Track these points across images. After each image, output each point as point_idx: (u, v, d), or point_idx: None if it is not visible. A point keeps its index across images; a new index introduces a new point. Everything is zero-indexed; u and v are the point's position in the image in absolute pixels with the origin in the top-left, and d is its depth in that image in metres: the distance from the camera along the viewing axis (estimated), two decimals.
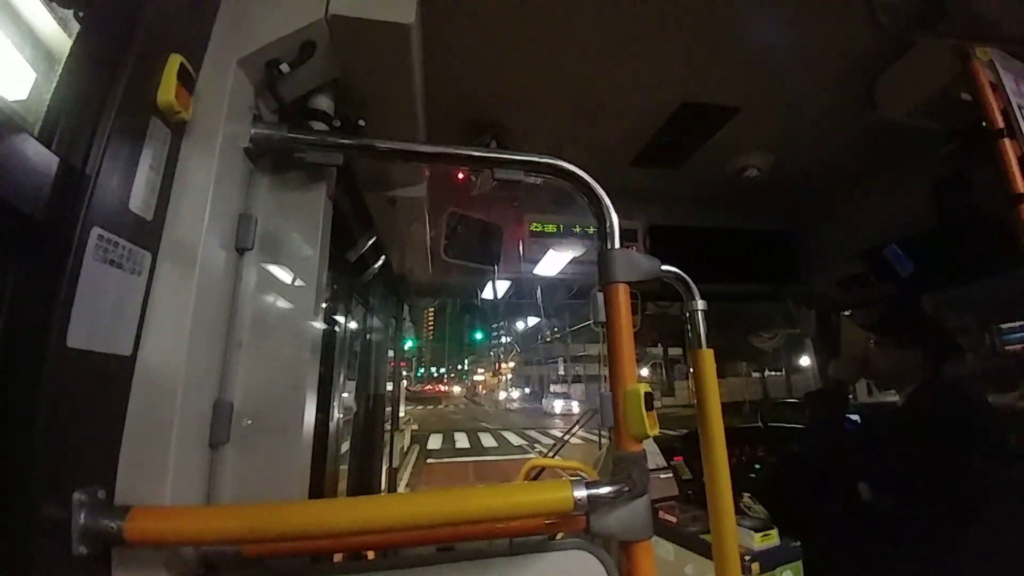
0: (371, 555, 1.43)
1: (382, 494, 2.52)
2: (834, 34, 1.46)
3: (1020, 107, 1.32)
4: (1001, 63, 1.36)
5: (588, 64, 1.58)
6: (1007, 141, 1.26)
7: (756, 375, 25.96)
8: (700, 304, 1.07)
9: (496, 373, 52.24)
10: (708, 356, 1.03)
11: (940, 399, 1.67)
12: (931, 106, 1.55)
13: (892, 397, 1.89)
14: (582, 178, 0.86)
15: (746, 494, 1.91)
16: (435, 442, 16.24)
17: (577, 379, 37.16)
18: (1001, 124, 1.28)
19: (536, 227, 2.50)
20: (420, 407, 35.66)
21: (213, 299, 0.78)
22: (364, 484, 2.45)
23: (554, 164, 0.88)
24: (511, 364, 51.36)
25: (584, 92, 1.73)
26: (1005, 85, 1.33)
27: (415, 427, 16.44)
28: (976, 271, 2.21)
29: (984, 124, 1.31)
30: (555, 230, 2.52)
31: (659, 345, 30.68)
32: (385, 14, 0.87)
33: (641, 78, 1.66)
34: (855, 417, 2.48)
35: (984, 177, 1.44)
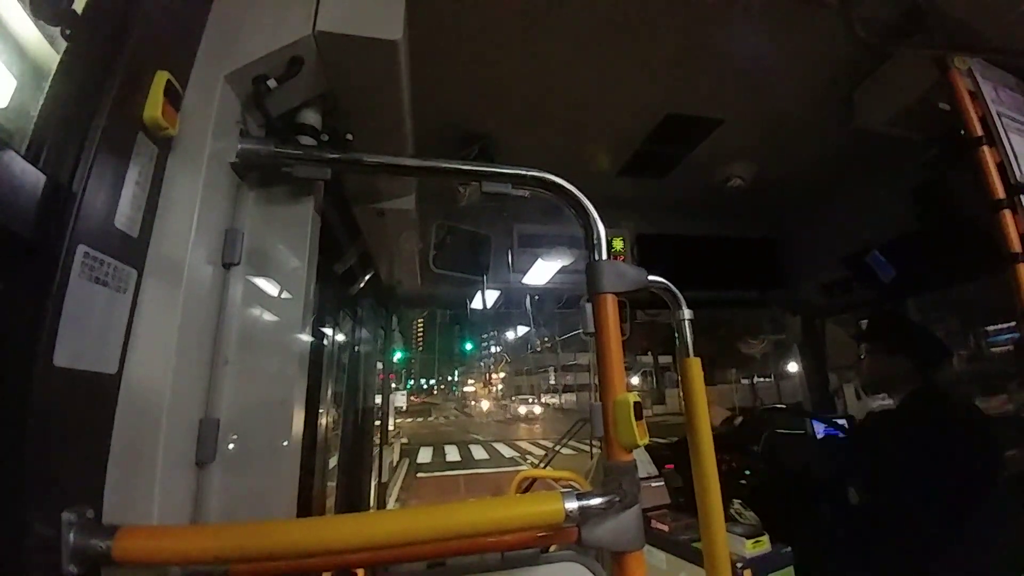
0: (361, 573, 1.41)
1: (371, 511, 2.49)
2: (813, 47, 1.50)
3: (1000, 114, 1.34)
4: (980, 71, 1.38)
5: (574, 77, 1.60)
6: (986, 148, 1.29)
7: (745, 381, 26.08)
8: (687, 313, 1.08)
9: (487, 384, 51.88)
10: (696, 364, 1.04)
11: (932, 406, 1.69)
12: (910, 115, 1.58)
13: (879, 402, 1.91)
14: (569, 191, 0.87)
15: (736, 501, 1.92)
16: (425, 455, 15.86)
17: (568, 388, 37.04)
18: (980, 132, 1.30)
19: (524, 238, 2.51)
20: (409, 419, 34.95)
21: (199, 315, 0.77)
22: (353, 500, 2.42)
23: (541, 177, 0.89)
24: (501, 375, 51.11)
25: (571, 104, 1.75)
26: (984, 93, 1.35)
27: (404, 440, 16.04)
28: (957, 276, 2.25)
29: (962, 132, 1.33)
30: (543, 240, 2.54)
31: (648, 353, 30.70)
32: (372, 30, 0.88)
33: (626, 90, 1.68)
34: (842, 422, 2.51)
35: (963, 183, 1.47)
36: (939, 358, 1.81)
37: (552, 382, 40.19)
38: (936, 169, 1.83)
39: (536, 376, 43.04)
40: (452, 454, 16.39)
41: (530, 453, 15.71)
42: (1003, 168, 1.28)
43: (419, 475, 12.25)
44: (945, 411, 1.67)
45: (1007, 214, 1.24)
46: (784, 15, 1.38)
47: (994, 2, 1.33)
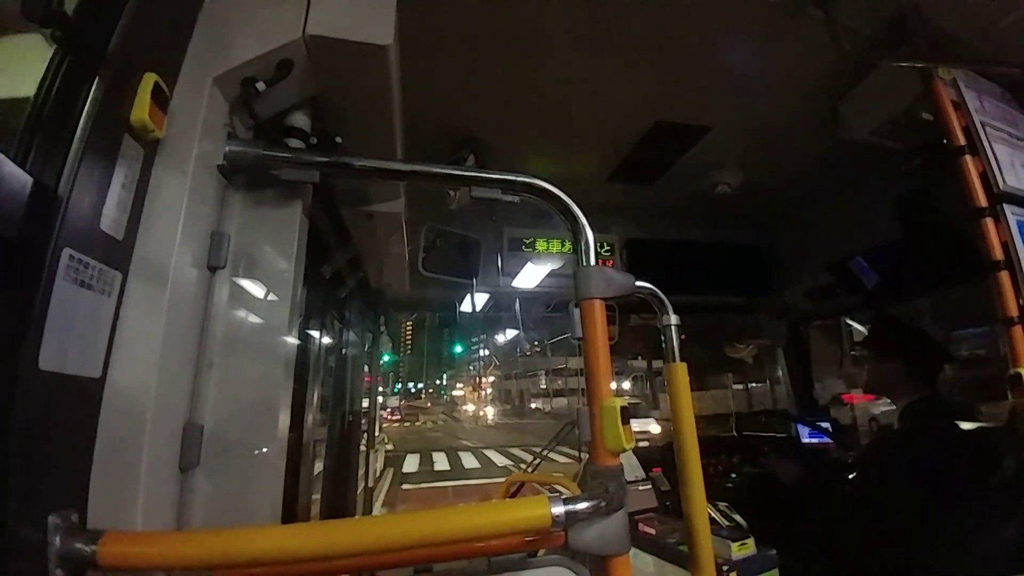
0: None
1: (357, 517, 2.47)
2: (799, 57, 1.52)
3: (984, 124, 1.37)
4: (965, 82, 1.41)
5: (565, 82, 1.61)
6: (968, 158, 1.31)
7: (738, 386, 26.11)
8: (674, 319, 1.09)
9: (476, 388, 51.59)
10: (682, 369, 1.05)
11: (934, 424, 1.70)
12: (894, 125, 1.60)
13: (880, 409, 1.92)
14: (558, 196, 0.88)
15: (722, 503, 1.93)
16: (411, 464, 14.89)
17: (559, 393, 36.82)
18: (963, 141, 1.32)
19: (514, 242, 2.51)
20: (396, 424, 33.69)
21: (184, 319, 0.76)
22: (339, 506, 2.40)
23: (531, 183, 0.90)
24: (490, 378, 50.92)
25: (561, 110, 1.76)
26: (968, 103, 1.38)
27: (389, 447, 15.12)
28: (939, 282, 2.29)
29: (945, 142, 1.35)
30: (533, 244, 2.55)
31: (639, 358, 30.54)
32: (363, 35, 0.88)
33: (616, 98, 1.70)
34: (826, 425, 2.54)
35: (945, 192, 1.49)
36: (940, 363, 1.83)
37: (543, 386, 39.92)
38: (918, 178, 1.86)
39: (526, 380, 42.84)
40: (441, 462, 15.38)
41: (524, 461, 14.76)
42: (985, 177, 1.31)
43: (404, 487, 11.39)
44: (948, 429, 1.67)
45: (989, 222, 1.26)
46: (771, 26, 1.40)
47: (979, 14, 1.36)
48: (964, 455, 1.59)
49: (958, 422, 1.70)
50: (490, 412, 39.21)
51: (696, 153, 2.07)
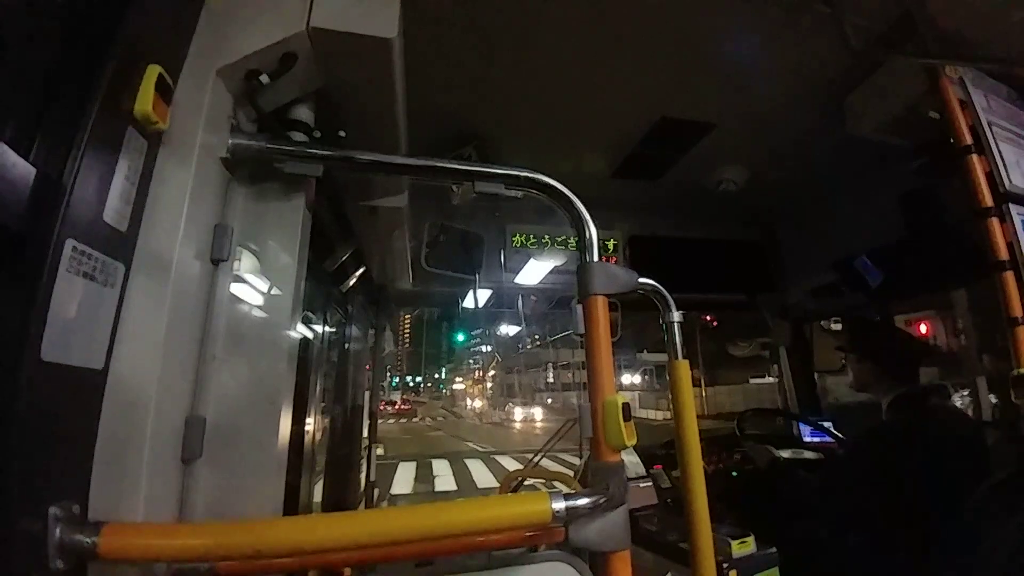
0: (347, 572, 1.41)
1: (359, 510, 2.48)
2: (806, 53, 1.51)
3: (990, 123, 1.36)
4: (971, 80, 1.40)
5: (569, 78, 1.60)
6: (975, 157, 1.30)
7: (756, 381, 25.86)
8: (676, 316, 1.09)
9: (477, 382, 51.49)
10: (684, 366, 1.05)
11: (917, 409, 1.70)
12: (899, 123, 1.59)
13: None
14: (562, 192, 0.87)
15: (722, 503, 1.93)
16: (405, 477, 11.37)
17: (567, 388, 36.57)
18: (969, 140, 1.32)
19: (517, 238, 2.51)
20: (391, 421, 30.61)
21: (187, 311, 0.76)
22: (341, 499, 2.41)
23: (534, 178, 0.89)
24: (492, 373, 50.87)
25: (565, 105, 1.76)
26: (975, 102, 1.37)
27: (380, 451, 12.45)
28: (943, 282, 2.28)
29: (952, 140, 1.34)
30: (536, 240, 2.54)
31: (645, 351, 30.12)
32: (367, 28, 0.87)
33: (621, 93, 1.69)
34: (827, 424, 2.53)
35: (950, 190, 1.48)
36: (919, 357, 1.83)
37: (550, 379, 39.55)
38: (924, 176, 1.85)
39: (528, 375, 42.59)
40: (444, 476, 11.69)
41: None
42: (991, 176, 1.30)
43: None
44: (929, 423, 1.67)
45: (995, 222, 1.26)
46: (777, 21, 1.39)
47: (986, 12, 1.35)
48: (944, 448, 1.58)
49: (945, 415, 1.70)
50: (538, 413, 32.58)
51: (700, 150, 2.07)
